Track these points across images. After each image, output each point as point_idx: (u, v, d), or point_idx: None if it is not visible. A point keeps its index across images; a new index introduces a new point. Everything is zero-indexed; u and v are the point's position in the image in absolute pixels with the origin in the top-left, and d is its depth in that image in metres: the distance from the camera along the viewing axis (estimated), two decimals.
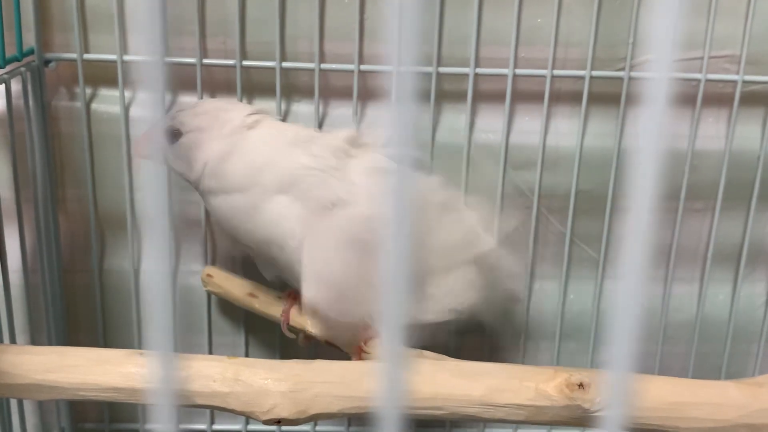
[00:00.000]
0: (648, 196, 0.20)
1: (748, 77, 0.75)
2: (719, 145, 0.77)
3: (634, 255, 0.21)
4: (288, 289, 0.70)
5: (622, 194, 0.72)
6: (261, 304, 0.74)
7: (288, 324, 0.70)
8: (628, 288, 0.20)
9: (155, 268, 0.22)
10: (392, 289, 0.20)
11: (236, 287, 0.76)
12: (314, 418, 0.55)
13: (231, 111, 0.64)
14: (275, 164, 0.62)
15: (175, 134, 0.63)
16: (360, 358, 0.66)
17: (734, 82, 0.75)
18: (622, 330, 0.21)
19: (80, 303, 0.81)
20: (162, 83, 0.21)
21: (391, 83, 0.19)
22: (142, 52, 0.21)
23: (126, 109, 0.74)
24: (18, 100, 0.71)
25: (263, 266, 0.69)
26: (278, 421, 0.55)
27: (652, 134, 0.19)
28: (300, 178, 0.61)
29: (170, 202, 0.22)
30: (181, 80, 0.75)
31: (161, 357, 0.22)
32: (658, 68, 0.19)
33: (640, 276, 0.20)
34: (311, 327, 0.69)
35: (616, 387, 0.22)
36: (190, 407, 0.56)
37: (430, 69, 0.74)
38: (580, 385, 0.53)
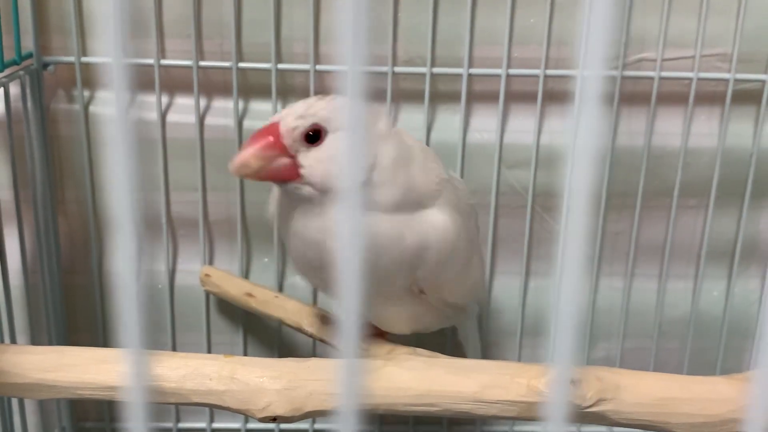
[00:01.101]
0: (583, 193, 0.20)
1: (739, 75, 0.75)
2: (712, 142, 0.78)
3: (572, 252, 0.21)
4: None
5: (615, 191, 0.72)
6: (258, 304, 0.74)
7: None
8: (568, 284, 0.21)
9: (124, 267, 0.22)
10: (349, 287, 0.21)
11: (234, 287, 0.77)
12: (309, 416, 0.55)
13: (366, 107, 0.57)
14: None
15: (316, 135, 0.53)
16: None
17: (726, 80, 0.75)
18: (563, 325, 0.21)
19: (80, 303, 0.81)
20: (126, 84, 0.21)
21: (343, 82, 0.20)
22: (106, 53, 0.21)
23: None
24: (17, 104, 0.72)
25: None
26: (274, 419, 0.55)
27: (586, 133, 0.20)
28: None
29: (138, 200, 0.22)
30: (177, 82, 0.76)
31: (132, 355, 0.22)
32: (590, 66, 0.20)
33: (579, 272, 0.21)
34: (307, 326, 0.70)
35: (560, 378, 0.22)
36: (187, 405, 0.56)
37: (423, 70, 0.75)
38: (572, 382, 0.54)
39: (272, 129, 0.52)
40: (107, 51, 0.21)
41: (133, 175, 0.22)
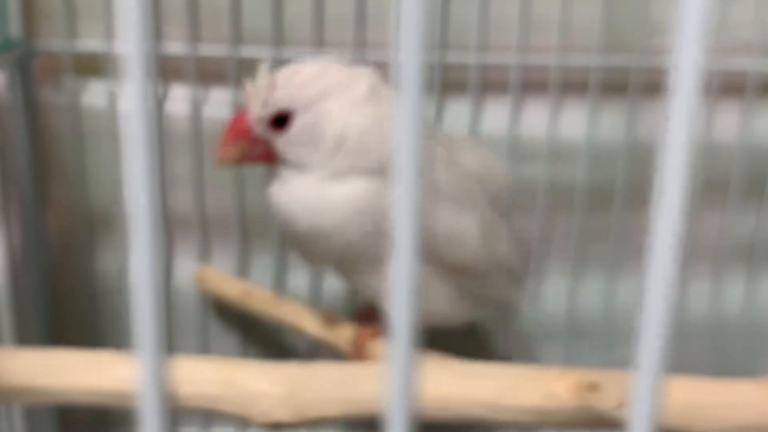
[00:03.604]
0: (676, 191, 0.19)
1: (763, 66, 0.73)
2: (733, 136, 0.75)
3: (663, 252, 0.20)
4: (360, 307, 0.65)
5: (633, 187, 0.70)
6: (257, 305, 0.72)
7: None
8: (658, 286, 0.20)
9: (142, 267, 0.21)
10: (401, 286, 0.18)
11: (231, 287, 0.75)
12: (312, 423, 0.53)
13: (347, 72, 0.54)
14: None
15: (282, 119, 0.54)
16: (360, 358, 0.63)
17: (748, 71, 0.73)
18: (650, 331, 0.19)
19: (68, 303, 0.79)
20: (149, 75, 0.20)
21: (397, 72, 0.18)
22: (127, 42, 0.20)
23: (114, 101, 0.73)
24: (3, 94, 0.70)
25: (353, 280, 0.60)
26: (275, 425, 0.53)
27: (679, 127, 0.18)
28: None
29: (161, 196, 0.20)
30: (171, 69, 0.73)
31: (147, 359, 0.21)
32: (686, 57, 0.18)
33: (671, 274, 0.20)
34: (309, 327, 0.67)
35: (640, 389, 0.20)
36: (183, 410, 0.54)
37: (434, 58, 0.72)
38: (592, 386, 0.51)
39: (242, 117, 0.55)
40: (128, 40, 0.20)
41: (154, 171, 0.21)
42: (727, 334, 0.80)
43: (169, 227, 0.77)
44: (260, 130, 0.54)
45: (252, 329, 0.80)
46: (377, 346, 0.62)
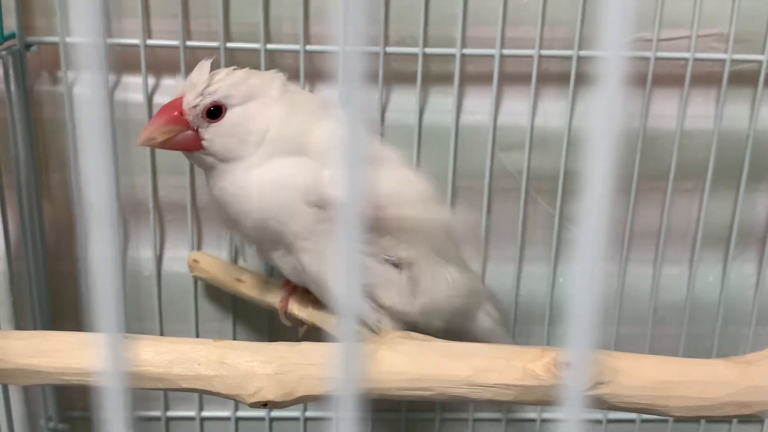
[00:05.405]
0: (602, 177, 0.19)
1: (736, 56, 0.74)
2: (708, 124, 0.77)
3: (590, 235, 0.20)
4: (284, 278, 0.68)
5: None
6: (248, 289, 0.73)
7: (286, 312, 0.70)
8: (585, 269, 0.20)
9: (101, 252, 0.22)
10: (348, 270, 0.20)
11: (223, 272, 0.75)
12: (301, 400, 0.54)
13: (263, 76, 0.61)
14: (318, 129, 0.60)
15: (215, 111, 0.58)
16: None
17: (723, 61, 0.74)
18: (581, 311, 0.21)
19: (65, 290, 0.80)
20: (103, 64, 0.21)
21: (338, 63, 0.19)
22: (82, 33, 0.21)
23: (111, 93, 0.73)
24: (1, 85, 0.70)
25: (268, 255, 0.64)
26: (265, 404, 0.54)
27: (604, 115, 0.19)
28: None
29: (116, 184, 0.21)
30: (164, 63, 0.74)
31: (109, 341, 0.21)
32: (610, 48, 0.19)
33: (597, 256, 0.21)
34: (310, 316, 0.69)
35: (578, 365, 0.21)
36: (175, 391, 0.55)
37: (416, 50, 0.73)
38: (568, 364, 0.53)
39: (176, 104, 0.58)
40: (80, 29, 0.21)
41: (108, 157, 0.21)
42: (703, 317, 0.82)
43: (161, 215, 0.78)
44: (192, 117, 0.58)
45: (243, 312, 0.81)
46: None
